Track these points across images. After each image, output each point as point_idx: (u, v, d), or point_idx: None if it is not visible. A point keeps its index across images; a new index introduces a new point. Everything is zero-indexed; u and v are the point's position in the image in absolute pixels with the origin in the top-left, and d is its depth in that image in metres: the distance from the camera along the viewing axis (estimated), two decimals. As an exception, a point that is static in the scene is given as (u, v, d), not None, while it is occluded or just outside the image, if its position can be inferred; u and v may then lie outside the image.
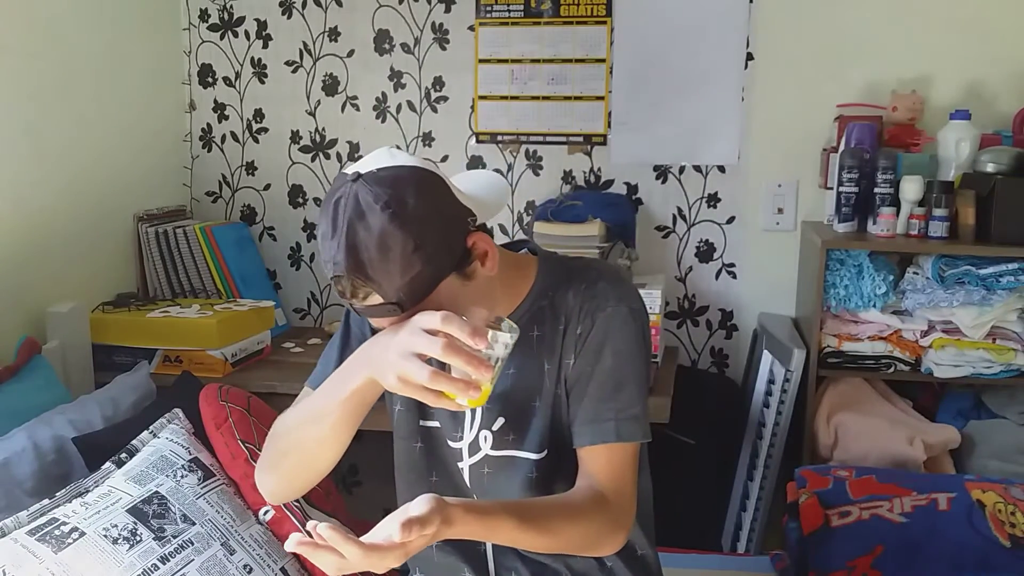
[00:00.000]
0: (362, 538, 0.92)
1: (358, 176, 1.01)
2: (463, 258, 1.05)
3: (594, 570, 1.26)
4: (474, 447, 1.23)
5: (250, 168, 2.70)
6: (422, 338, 0.96)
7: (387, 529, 0.93)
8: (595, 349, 1.17)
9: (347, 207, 0.99)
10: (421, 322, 0.97)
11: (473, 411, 1.21)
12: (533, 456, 1.20)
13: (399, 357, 0.97)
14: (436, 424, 1.26)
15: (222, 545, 1.49)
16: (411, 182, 1.02)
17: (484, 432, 1.22)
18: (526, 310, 1.19)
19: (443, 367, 0.98)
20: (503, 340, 0.98)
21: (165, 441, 1.62)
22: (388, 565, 0.92)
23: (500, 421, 1.21)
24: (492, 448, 1.22)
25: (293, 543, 0.91)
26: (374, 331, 1.21)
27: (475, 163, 2.56)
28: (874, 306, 2.10)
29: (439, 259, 1.02)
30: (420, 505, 0.94)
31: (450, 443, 1.24)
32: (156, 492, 1.50)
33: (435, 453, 1.27)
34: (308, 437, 1.13)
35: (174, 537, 1.44)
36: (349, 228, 0.99)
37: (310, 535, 0.92)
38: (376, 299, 1.01)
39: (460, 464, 1.24)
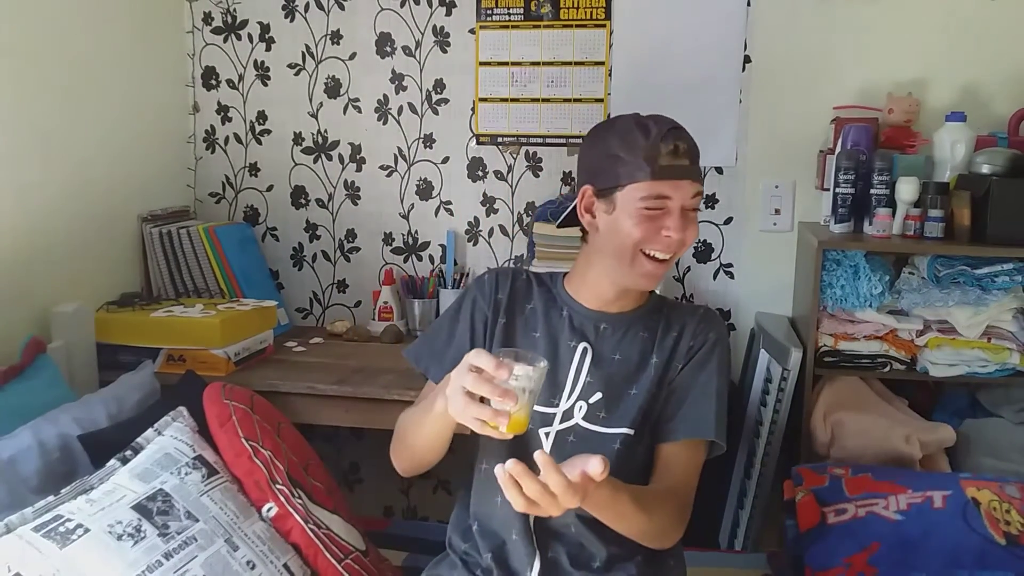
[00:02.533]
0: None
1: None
2: None
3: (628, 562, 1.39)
4: (568, 414, 1.37)
5: (253, 169, 2.72)
6: (464, 375, 1.10)
7: (569, 471, 1.05)
8: (703, 361, 1.39)
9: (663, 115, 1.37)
10: (469, 359, 1.11)
11: (575, 380, 1.38)
12: (623, 430, 1.35)
13: (452, 392, 1.11)
14: None
15: (225, 542, 1.50)
16: None
17: (580, 403, 1.37)
18: (642, 314, 1.43)
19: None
20: (526, 372, 1.09)
21: (169, 439, 1.63)
22: (569, 504, 1.04)
23: (598, 396, 1.37)
24: (584, 419, 1.36)
25: (509, 463, 1.02)
26: (474, 322, 1.44)
27: (476, 164, 2.58)
28: (870, 306, 2.11)
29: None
30: (596, 459, 1.05)
31: (542, 409, 1.36)
32: (160, 489, 1.51)
33: None
34: (417, 438, 1.33)
35: (178, 534, 1.45)
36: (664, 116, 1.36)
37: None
38: (686, 161, 1.33)
39: (546, 429, 1.36)
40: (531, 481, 1.02)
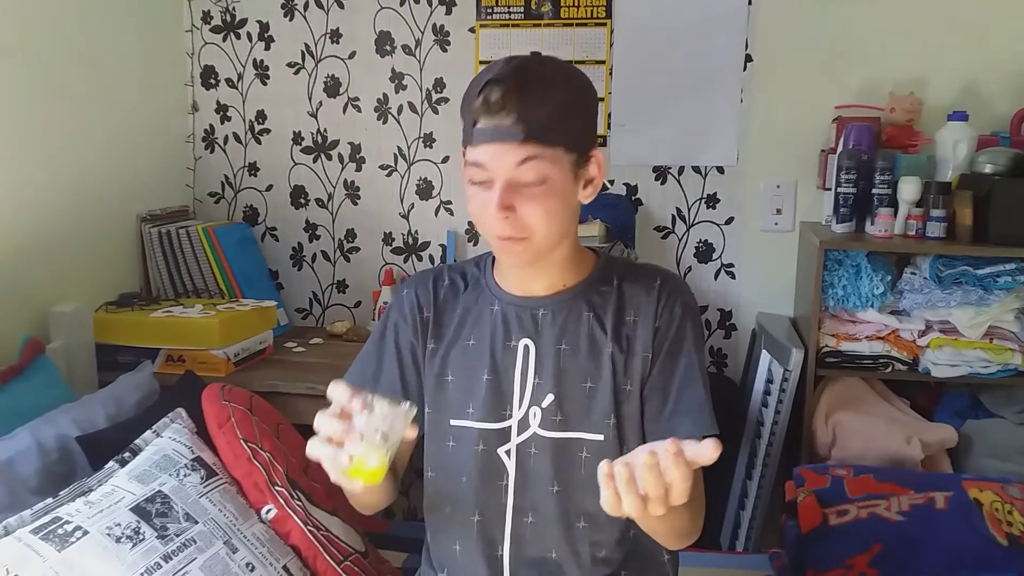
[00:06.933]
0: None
1: (535, 54, 1.14)
2: (584, 156, 1.14)
3: None
4: (524, 424, 1.20)
5: (252, 169, 2.72)
6: (320, 413, 0.97)
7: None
8: (677, 344, 1.19)
9: (525, 58, 1.12)
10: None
11: (523, 384, 1.21)
12: (588, 436, 1.18)
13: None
14: (468, 424, 1.23)
15: (224, 543, 1.50)
16: (584, 76, 1.16)
17: (534, 408, 1.20)
18: (583, 289, 1.22)
19: None
20: (381, 409, 0.94)
21: (168, 440, 1.63)
22: (679, 476, 0.86)
23: (550, 398, 1.19)
24: (540, 427, 1.19)
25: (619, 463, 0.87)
26: (399, 348, 1.27)
27: (476, 164, 2.57)
28: (872, 306, 2.11)
29: (574, 131, 1.11)
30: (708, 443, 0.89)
31: (494, 425, 1.21)
32: (159, 491, 1.50)
33: (470, 450, 1.24)
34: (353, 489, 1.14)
35: (177, 536, 1.45)
36: (526, 60, 1.11)
37: None
38: (508, 120, 1.06)
39: (505, 447, 1.21)
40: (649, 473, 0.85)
